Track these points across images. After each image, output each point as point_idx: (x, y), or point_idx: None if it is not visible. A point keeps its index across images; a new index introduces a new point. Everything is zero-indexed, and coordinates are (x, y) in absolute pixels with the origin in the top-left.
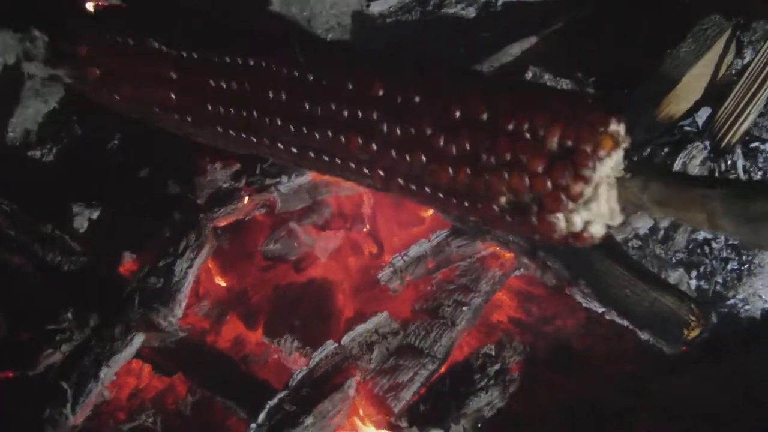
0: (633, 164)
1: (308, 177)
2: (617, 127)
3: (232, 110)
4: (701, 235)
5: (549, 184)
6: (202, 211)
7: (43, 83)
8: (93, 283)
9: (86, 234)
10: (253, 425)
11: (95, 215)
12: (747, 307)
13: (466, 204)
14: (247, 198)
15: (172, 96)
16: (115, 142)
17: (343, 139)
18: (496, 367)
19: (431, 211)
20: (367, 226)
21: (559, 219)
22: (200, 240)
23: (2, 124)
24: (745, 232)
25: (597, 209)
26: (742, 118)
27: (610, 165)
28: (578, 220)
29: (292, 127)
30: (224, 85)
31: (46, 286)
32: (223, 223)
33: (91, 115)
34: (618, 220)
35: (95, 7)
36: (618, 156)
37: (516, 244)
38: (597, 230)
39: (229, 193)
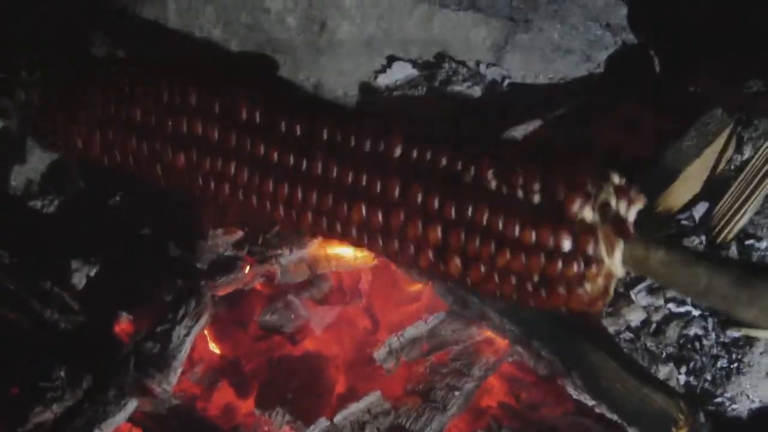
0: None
1: (309, 250)
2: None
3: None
4: (692, 330)
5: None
6: (202, 277)
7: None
8: (88, 343)
9: (84, 291)
10: None
11: (94, 272)
12: (734, 405)
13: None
14: (248, 268)
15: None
16: (117, 198)
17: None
18: None
19: (427, 291)
20: (364, 302)
21: (586, 288)
22: (199, 308)
23: (4, 172)
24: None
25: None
26: (739, 215)
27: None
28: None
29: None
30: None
31: (41, 342)
32: (222, 292)
33: (94, 170)
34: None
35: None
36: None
37: (511, 332)
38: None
39: (231, 261)
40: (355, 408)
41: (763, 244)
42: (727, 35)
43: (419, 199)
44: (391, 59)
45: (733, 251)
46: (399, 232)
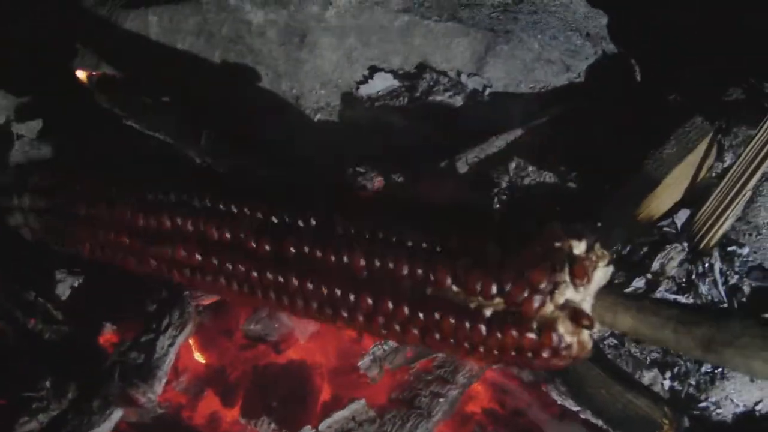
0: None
1: None
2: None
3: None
4: None
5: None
6: (185, 288)
7: (32, 144)
8: (73, 353)
9: (68, 301)
10: None
11: (78, 283)
12: (719, 410)
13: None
14: None
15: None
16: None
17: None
18: None
19: None
20: None
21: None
22: (183, 318)
23: None
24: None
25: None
26: (721, 222)
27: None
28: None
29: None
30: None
31: (26, 353)
32: (207, 301)
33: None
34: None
35: (88, 76)
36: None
37: None
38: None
39: None
40: (339, 416)
41: (744, 250)
42: (706, 45)
43: (390, 309)
44: (373, 70)
45: (716, 257)
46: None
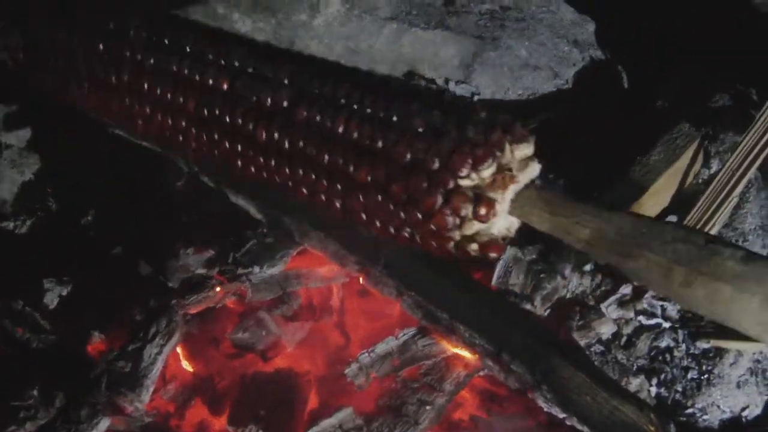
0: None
1: (280, 268)
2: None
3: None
4: (663, 342)
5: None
6: (173, 296)
7: (20, 154)
8: (60, 361)
9: (56, 310)
10: None
11: (66, 292)
12: (705, 416)
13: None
14: (219, 287)
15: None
16: (89, 218)
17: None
18: None
19: (397, 307)
20: (335, 318)
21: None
22: (171, 326)
23: None
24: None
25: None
26: (708, 228)
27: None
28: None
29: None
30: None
31: (14, 362)
32: (194, 310)
33: (66, 190)
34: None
35: None
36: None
37: (481, 347)
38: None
39: (202, 280)
40: (327, 424)
41: None
42: (693, 51)
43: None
44: None
45: None
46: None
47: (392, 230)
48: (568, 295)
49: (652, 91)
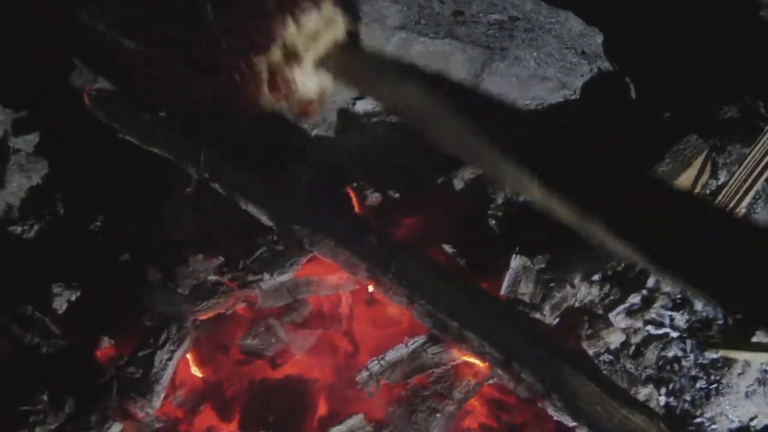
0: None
1: (290, 275)
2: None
3: None
4: (671, 352)
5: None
6: (183, 302)
7: (28, 158)
8: (70, 367)
9: (65, 315)
10: None
11: (74, 297)
12: (714, 426)
13: None
14: (229, 293)
15: None
16: (98, 223)
17: None
18: None
19: (407, 315)
20: (344, 326)
21: None
22: (181, 332)
23: None
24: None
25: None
26: None
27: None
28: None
29: None
30: None
31: (23, 366)
32: (204, 316)
33: (74, 195)
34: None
35: (86, 90)
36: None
37: (491, 356)
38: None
39: (212, 287)
40: (337, 431)
41: None
42: (701, 64)
43: None
44: None
45: None
46: None
47: None
48: (577, 304)
49: (660, 103)
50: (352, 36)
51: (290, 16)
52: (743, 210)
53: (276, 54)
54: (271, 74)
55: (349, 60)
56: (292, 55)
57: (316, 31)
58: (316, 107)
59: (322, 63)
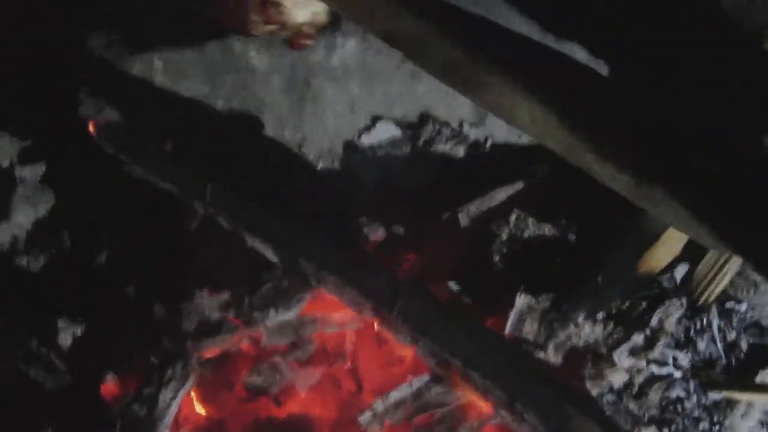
0: None
1: (295, 312)
2: None
3: None
4: (674, 392)
5: None
6: (188, 339)
7: (34, 189)
8: (74, 403)
9: (70, 350)
10: None
11: (79, 332)
12: None
13: None
14: (234, 331)
15: None
16: (102, 257)
17: None
18: None
19: (411, 354)
20: (348, 364)
21: None
22: (186, 370)
23: None
24: None
25: None
26: (720, 277)
27: None
28: None
29: None
30: None
31: (28, 401)
32: (209, 353)
33: (80, 228)
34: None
35: (92, 121)
36: None
37: (495, 395)
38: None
39: (218, 324)
40: None
41: (742, 307)
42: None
43: None
44: (375, 118)
45: (714, 313)
46: None
47: None
48: (581, 343)
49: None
50: None
51: None
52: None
53: None
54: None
55: None
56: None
57: None
58: (309, 39)
59: None
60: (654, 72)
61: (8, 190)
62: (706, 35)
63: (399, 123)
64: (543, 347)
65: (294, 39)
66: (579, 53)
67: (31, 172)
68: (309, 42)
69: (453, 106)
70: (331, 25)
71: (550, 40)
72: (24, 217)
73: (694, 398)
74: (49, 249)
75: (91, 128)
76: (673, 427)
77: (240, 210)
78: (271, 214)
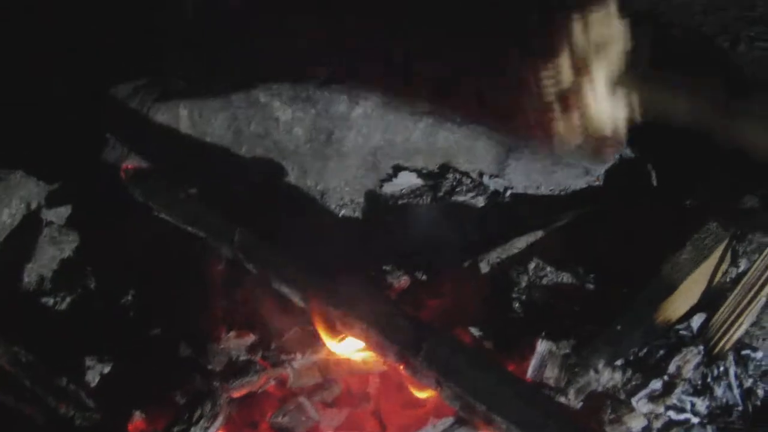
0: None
1: (320, 355)
2: None
3: None
4: None
5: None
6: (216, 379)
7: (60, 231)
8: None
9: (97, 388)
10: None
11: (107, 370)
12: None
13: None
14: (262, 372)
15: None
16: (129, 297)
17: None
18: None
19: (434, 397)
20: (372, 405)
21: None
22: (215, 410)
23: (18, 268)
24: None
25: None
26: (736, 326)
27: None
28: None
29: None
30: None
31: None
32: (237, 394)
33: (105, 268)
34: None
35: (121, 167)
36: None
37: None
38: None
39: (245, 365)
40: None
41: (759, 354)
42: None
43: None
44: (397, 168)
45: (730, 361)
46: None
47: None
48: (600, 389)
49: (682, 191)
50: (642, 50)
51: (576, 22)
52: (764, 298)
53: (566, 72)
54: (563, 101)
55: (644, 79)
56: (582, 71)
57: (604, 39)
58: (615, 144)
59: (616, 82)
60: None
61: (35, 231)
62: None
63: (420, 173)
64: (564, 392)
65: (600, 147)
66: None
67: (57, 214)
68: (617, 148)
69: (472, 158)
70: None
71: None
72: (51, 257)
73: None
74: (75, 289)
75: (122, 174)
76: None
77: (267, 255)
78: (297, 259)
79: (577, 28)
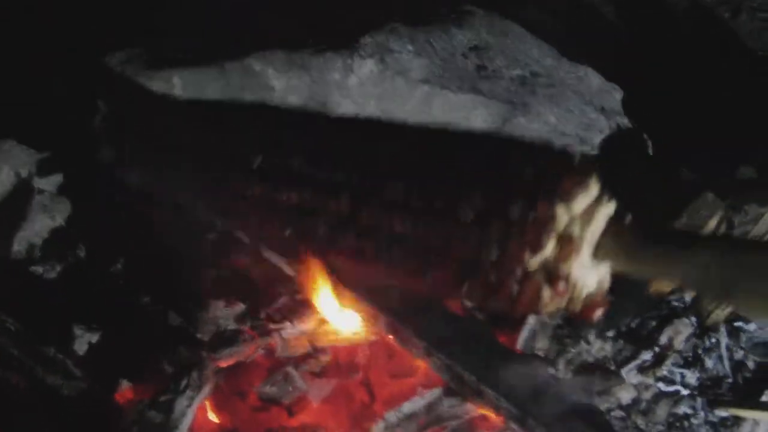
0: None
1: (310, 325)
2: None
3: None
4: (681, 409)
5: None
6: (204, 348)
7: (52, 199)
8: (90, 409)
9: (85, 357)
10: None
11: (95, 339)
12: None
13: None
14: (250, 341)
15: None
16: (119, 266)
17: None
18: None
19: (423, 366)
20: (361, 376)
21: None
22: (202, 379)
23: (8, 236)
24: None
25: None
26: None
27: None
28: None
29: None
30: None
31: (44, 408)
32: (225, 363)
33: (96, 237)
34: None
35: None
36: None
37: (506, 410)
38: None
39: (234, 334)
40: None
41: (750, 327)
42: (720, 123)
43: None
44: None
45: (722, 332)
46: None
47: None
48: (591, 360)
49: (677, 160)
50: (622, 215)
51: (557, 197)
52: None
53: (549, 248)
54: (548, 275)
55: (624, 242)
56: (566, 245)
57: (587, 211)
58: (600, 307)
59: (598, 250)
60: None
61: (26, 199)
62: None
63: None
64: (553, 363)
65: (585, 311)
66: (592, 77)
67: (48, 182)
68: (601, 311)
69: (468, 127)
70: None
71: (564, 63)
72: (41, 225)
73: (701, 415)
74: (65, 257)
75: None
76: None
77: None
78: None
79: (560, 212)
